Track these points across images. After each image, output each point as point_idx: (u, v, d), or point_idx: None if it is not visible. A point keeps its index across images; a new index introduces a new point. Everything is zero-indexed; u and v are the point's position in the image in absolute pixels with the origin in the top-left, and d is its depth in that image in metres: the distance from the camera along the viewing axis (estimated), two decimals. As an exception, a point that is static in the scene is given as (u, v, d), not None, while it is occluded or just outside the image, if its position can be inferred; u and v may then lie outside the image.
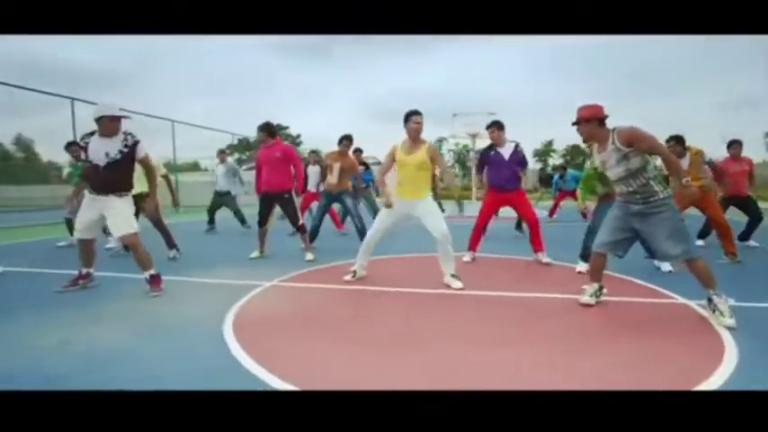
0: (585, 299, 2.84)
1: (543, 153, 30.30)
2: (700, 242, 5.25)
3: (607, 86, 58.93)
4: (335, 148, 5.31)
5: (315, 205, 6.32)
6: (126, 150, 3.28)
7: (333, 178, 5.23)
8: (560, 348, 2.16)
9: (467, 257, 4.53)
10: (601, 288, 2.90)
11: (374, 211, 7.99)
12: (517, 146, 4.48)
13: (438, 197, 10.76)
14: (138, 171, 3.65)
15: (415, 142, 3.40)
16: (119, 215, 3.31)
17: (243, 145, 33.64)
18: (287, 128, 41.41)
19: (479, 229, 4.59)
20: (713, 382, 1.76)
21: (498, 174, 4.39)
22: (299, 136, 41.55)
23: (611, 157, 2.62)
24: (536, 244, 4.41)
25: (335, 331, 2.47)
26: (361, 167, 7.01)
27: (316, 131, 66.33)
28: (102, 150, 3.22)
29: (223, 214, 7.72)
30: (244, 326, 2.53)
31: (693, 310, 2.73)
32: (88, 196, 3.35)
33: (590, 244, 3.91)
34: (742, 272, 3.93)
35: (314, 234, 5.19)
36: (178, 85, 76.67)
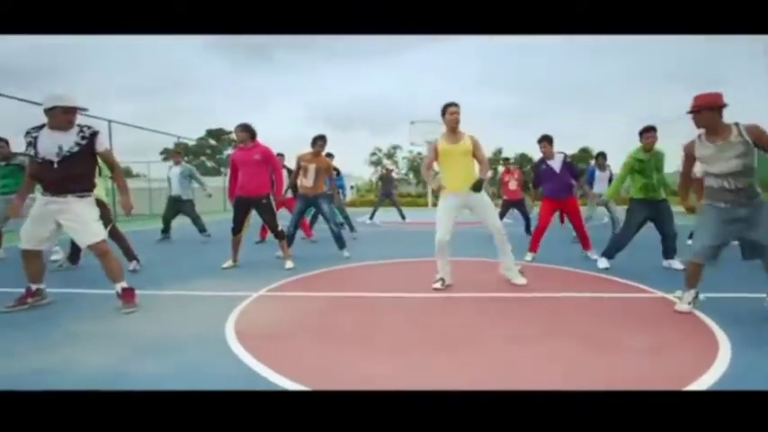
0: (685, 307, 2.80)
1: (493, 161, 31.95)
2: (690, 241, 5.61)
3: (545, 99, 63.74)
4: (308, 149, 5.16)
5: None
6: (84, 143, 2.93)
7: (308, 181, 5.08)
8: (560, 347, 2.29)
9: (528, 257, 4.84)
10: (698, 293, 2.85)
11: (344, 217, 7.89)
12: (565, 157, 4.86)
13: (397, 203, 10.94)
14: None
15: (456, 133, 3.50)
16: (81, 221, 2.96)
17: (181, 148, 31.69)
18: (230, 133, 39.66)
19: (541, 233, 4.91)
20: (704, 382, 1.95)
21: (552, 185, 4.81)
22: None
23: (731, 149, 2.56)
24: (585, 245, 4.95)
25: (341, 337, 2.42)
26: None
27: (261, 136, 64.19)
28: (54, 144, 2.87)
29: (178, 221, 7.21)
30: (249, 337, 2.39)
31: (671, 301, 3.03)
32: (41, 199, 2.96)
33: (618, 244, 4.29)
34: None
35: (290, 240, 5.01)
36: (104, 83, 70.48)
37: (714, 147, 2.62)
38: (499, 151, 31.71)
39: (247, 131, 4.43)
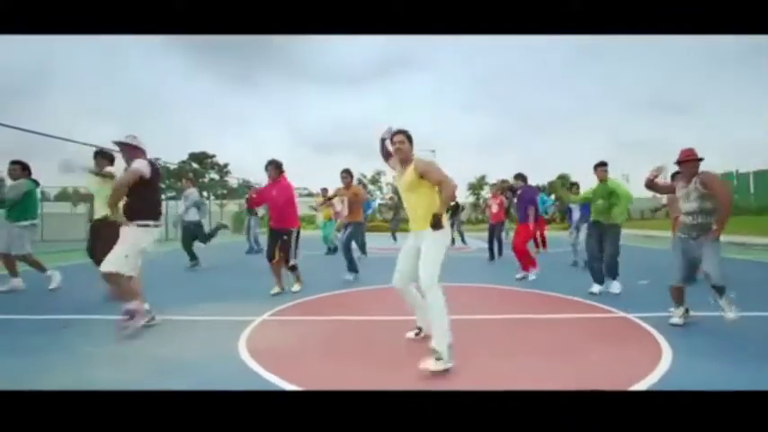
0: (676, 320, 3.37)
1: (477, 186, 32.93)
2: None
3: (520, 125, 66.22)
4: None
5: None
6: None
7: (344, 210, 5.99)
8: (538, 357, 2.74)
9: (532, 276, 5.76)
10: (687, 310, 3.41)
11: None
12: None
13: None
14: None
15: (405, 163, 2.92)
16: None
17: (163, 173, 31.76)
18: (213, 156, 40.01)
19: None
20: (648, 381, 2.42)
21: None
22: (226, 165, 40.26)
23: (692, 192, 3.23)
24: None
25: (348, 355, 2.79)
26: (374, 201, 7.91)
27: (245, 160, 64.35)
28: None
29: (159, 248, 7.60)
30: (262, 355, 2.72)
31: (631, 320, 3.57)
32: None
33: (596, 266, 4.80)
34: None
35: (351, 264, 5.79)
36: (85, 104, 70.01)
37: (683, 189, 3.31)
38: (483, 177, 32.85)
39: (278, 169, 4.81)
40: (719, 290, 3.18)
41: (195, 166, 38.38)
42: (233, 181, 32.14)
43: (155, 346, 3.05)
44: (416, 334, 3.08)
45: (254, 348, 2.90)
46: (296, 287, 5.00)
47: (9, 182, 5.06)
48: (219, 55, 79.73)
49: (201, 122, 68.84)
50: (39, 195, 5.24)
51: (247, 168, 61.07)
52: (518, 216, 5.92)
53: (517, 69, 70.73)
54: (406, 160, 2.92)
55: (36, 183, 5.17)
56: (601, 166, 4.91)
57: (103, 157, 4.46)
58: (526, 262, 5.88)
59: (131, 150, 3.42)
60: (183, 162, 38.65)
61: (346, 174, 5.87)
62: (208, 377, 2.45)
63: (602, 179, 4.90)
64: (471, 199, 31.93)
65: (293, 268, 5.00)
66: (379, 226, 20.89)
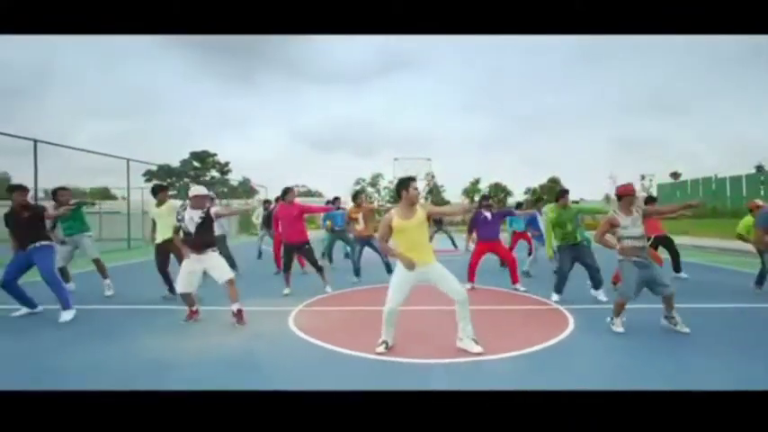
0: (620, 329, 4.00)
1: (471, 191, 32.87)
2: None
3: (513, 127, 66.17)
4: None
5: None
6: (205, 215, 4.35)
7: (360, 226, 6.96)
8: (485, 332, 4.07)
9: (467, 286, 5.94)
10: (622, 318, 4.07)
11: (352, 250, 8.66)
12: (497, 209, 6.57)
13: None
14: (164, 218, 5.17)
15: (411, 206, 3.46)
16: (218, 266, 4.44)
17: (165, 172, 31.84)
18: (215, 155, 40.04)
19: (473, 266, 6.29)
20: (557, 339, 3.81)
21: (485, 230, 6.22)
22: (227, 164, 40.29)
23: (637, 219, 3.95)
24: (513, 278, 6.14)
25: (371, 331, 3.98)
26: (340, 210, 8.15)
27: (245, 159, 64.45)
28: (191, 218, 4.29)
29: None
30: (308, 331, 4.09)
31: (561, 310, 4.90)
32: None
33: (560, 282, 5.46)
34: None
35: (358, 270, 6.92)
36: (76, 103, 69.81)
37: (629, 218, 3.98)
38: (477, 181, 32.78)
39: (293, 194, 6.07)
40: (670, 302, 3.93)
41: (196, 164, 38.36)
42: (233, 180, 32.14)
43: (234, 327, 4.35)
44: (385, 348, 3.51)
45: (300, 326, 4.31)
46: (329, 288, 6.06)
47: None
48: (219, 55, 79.70)
49: (202, 122, 68.95)
50: (82, 213, 5.97)
51: (248, 167, 61.26)
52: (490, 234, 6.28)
53: (517, 70, 71.10)
54: (414, 203, 3.50)
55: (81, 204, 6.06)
56: (564, 194, 5.49)
57: (162, 189, 5.50)
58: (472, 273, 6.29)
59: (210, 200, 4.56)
60: (185, 160, 38.64)
61: (359, 194, 7.38)
62: (279, 342, 3.86)
63: (566, 206, 5.40)
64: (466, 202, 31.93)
65: (321, 269, 6.16)
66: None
